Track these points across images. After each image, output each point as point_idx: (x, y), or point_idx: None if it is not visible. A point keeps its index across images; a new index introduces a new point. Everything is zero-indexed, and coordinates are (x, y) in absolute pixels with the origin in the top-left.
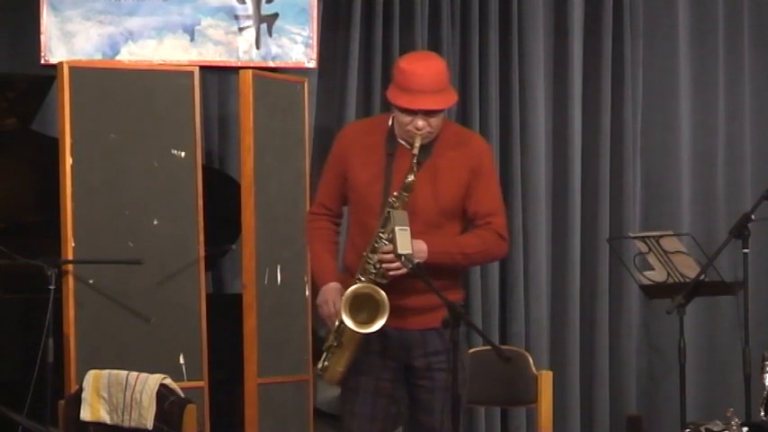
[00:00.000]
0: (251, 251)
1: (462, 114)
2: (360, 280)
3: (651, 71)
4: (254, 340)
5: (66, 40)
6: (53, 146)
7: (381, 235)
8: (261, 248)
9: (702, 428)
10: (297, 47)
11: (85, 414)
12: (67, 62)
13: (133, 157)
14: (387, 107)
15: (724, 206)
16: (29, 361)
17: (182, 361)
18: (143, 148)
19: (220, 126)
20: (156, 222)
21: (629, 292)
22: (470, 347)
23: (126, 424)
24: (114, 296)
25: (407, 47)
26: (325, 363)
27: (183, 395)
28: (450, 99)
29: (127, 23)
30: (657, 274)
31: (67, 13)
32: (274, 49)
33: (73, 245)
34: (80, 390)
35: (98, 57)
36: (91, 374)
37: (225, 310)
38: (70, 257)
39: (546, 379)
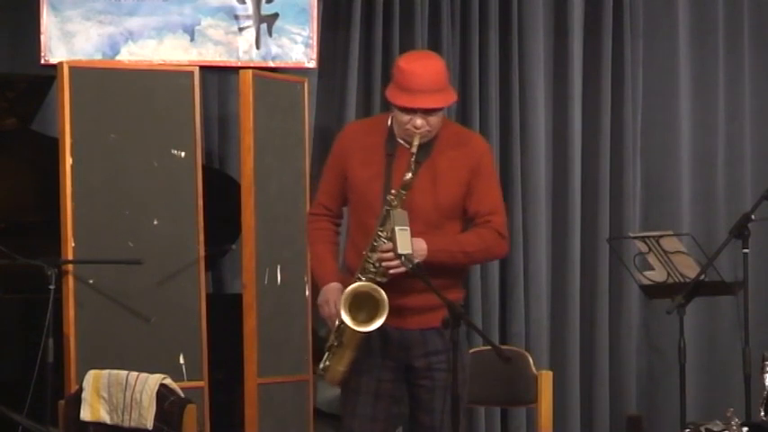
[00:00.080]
0: (251, 251)
1: (462, 114)
2: (360, 279)
3: (651, 71)
4: (254, 340)
5: (66, 40)
6: (53, 146)
7: (380, 233)
8: (261, 248)
9: (702, 428)
10: (297, 47)
11: (85, 414)
12: (67, 62)
13: (133, 157)
14: (387, 107)
15: (724, 206)
16: (29, 361)
17: (182, 361)
18: (143, 148)
19: (220, 126)
20: (156, 222)
21: (629, 292)
22: (470, 347)
23: (126, 424)
24: (114, 296)
25: (407, 47)
26: (327, 363)
27: (182, 395)
28: (449, 98)
29: (127, 23)
30: (657, 274)
31: (67, 13)
32: (274, 49)
33: (73, 245)
34: (80, 390)
35: (98, 57)
36: (91, 374)
37: (225, 310)
38: (70, 257)
39: (546, 379)
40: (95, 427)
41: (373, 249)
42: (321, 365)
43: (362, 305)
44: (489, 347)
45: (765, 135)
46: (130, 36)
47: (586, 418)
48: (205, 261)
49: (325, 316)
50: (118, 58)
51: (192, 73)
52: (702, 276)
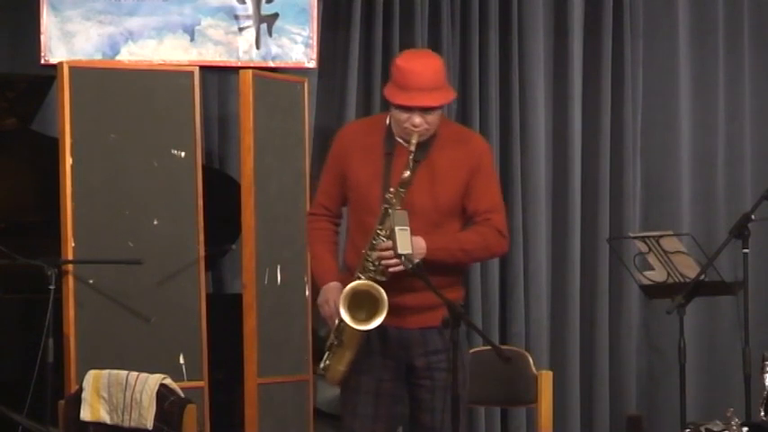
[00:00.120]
0: (251, 251)
1: (462, 114)
2: (359, 278)
3: (651, 71)
4: (254, 340)
5: (66, 40)
6: (53, 146)
7: (379, 232)
8: (261, 248)
9: (702, 428)
10: (297, 47)
11: (85, 414)
12: (67, 62)
13: (133, 157)
14: (387, 107)
15: (724, 206)
16: (29, 361)
17: (182, 361)
18: (143, 148)
19: (220, 126)
20: (156, 222)
21: (629, 292)
22: (470, 347)
23: (126, 424)
24: (114, 296)
25: (407, 47)
26: (327, 362)
27: (182, 395)
28: (447, 96)
29: (127, 23)
30: (657, 274)
31: (67, 13)
32: (274, 49)
33: (73, 245)
34: (80, 390)
35: (98, 57)
36: (91, 374)
37: (225, 310)
38: (70, 257)
39: (546, 379)
40: (95, 427)
41: (372, 248)
42: (321, 365)
43: (362, 304)
44: (489, 347)
45: (765, 135)
46: (130, 36)
47: (586, 418)
48: (205, 261)
49: (326, 315)
50: (118, 58)
51: (192, 73)
52: (702, 276)
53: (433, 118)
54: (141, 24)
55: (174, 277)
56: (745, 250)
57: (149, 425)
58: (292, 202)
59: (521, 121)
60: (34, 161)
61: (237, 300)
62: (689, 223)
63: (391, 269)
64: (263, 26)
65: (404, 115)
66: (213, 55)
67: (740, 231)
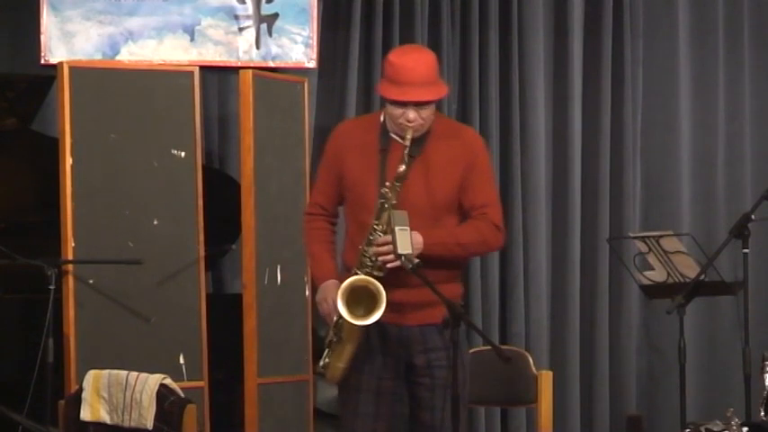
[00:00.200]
0: (251, 251)
1: (462, 114)
2: (356, 273)
3: (651, 71)
4: (254, 340)
5: (66, 40)
6: (53, 146)
7: (376, 227)
8: (261, 248)
9: (702, 428)
10: (297, 47)
11: (85, 414)
12: (67, 62)
13: (133, 157)
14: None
15: (724, 206)
16: (29, 361)
17: (182, 361)
18: (143, 148)
19: (220, 126)
20: (156, 222)
21: (629, 292)
22: (470, 347)
23: (126, 424)
24: (114, 296)
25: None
26: (326, 359)
27: (182, 395)
28: (440, 91)
29: (127, 23)
30: (657, 274)
31: (67, 13)
32: (274, 49)
33: (73, 245)
34: (80, 390)
35: (98, 57)
36: (91, 374)
37: (225, 310)
38: (70, 257)
39: (546, 379)
40: (95, 427)
41: (369, 243)
42: (321, 362)
43: (360, 300)
44: (489, 347)
45: (765, 135)
46: (130, 36)
47: (586, 418)
48: (205, 261)
49: (324, 313)
50: (118, 58)
51: (192, 73)
52: (702, 276)
53: (427, 113)
54: (141, 24)
55: (174, 277)
56: (745, 250)
57: (149, 425)
58: (292, 202)
59: (521, 121)
60: (34, 161)
61: (237, 300)
62: (689, 223)
63: (389, 265)
64: (263, 26)
65: (398, 111)
66: (213, 55)
67: (740, 231)
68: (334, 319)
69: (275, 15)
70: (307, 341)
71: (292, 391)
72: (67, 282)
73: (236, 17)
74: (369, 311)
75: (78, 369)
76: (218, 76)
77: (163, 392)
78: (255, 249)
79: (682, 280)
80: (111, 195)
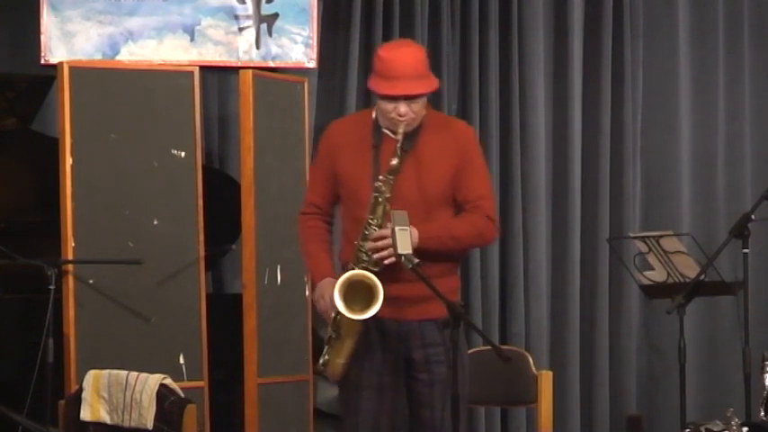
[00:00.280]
0: (251, 251)
1: (462, 114)
2: (353, 269)
3: (651, 71)
4: (254, 340)
5: (66, 40)
6: (53, 146)
7: (371, 221)
8: (261, 248)
9: (702, 428)
10: (297, 47)
11: (85, 414)
12: (67, 62)
13: (133, 157)
14: None
15: (724, 206)
16: (29, 361)
17: (182, 361)
18: (143, 148)
19: (220, 126)
20: (156, 222)
21: (629, 292)
22: (470, 347)
23: (126, 424)
24: (114, 296)
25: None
26: (326, 356)
27: (182, 395)
28: (430, 84)
29: (127, 23)
30: (657, 274)
31: (67, 13)
32: (274, 49)
33: (73, 245)
34: (80, 390)
35: (98, 57)
36: (91, 374)
37: (225, 310)
38: (70, 257)
39: (546, 379)
40: (95, 427)
41: (365, 238)
42: (321, 360)
43: (357, 295)
44: (489, 347)
45: (765, 135)
46: (130, 36)
47: (586, 418)
48: (205, 261)
49: (321, 311)
50: (118, 58)
51: (192, 73)
52: (702, 276)
53: (418, 107)
54: (141, 24)
55: (174, 277)
56: (745, 250)
57: (149, 425)
58: (292, 202)
59: (521, 121)
60: (34, 161)
61: (237, 300)
62: (689, 223)
63: (385, 261)
64: (263, 26)
65: (389, 105)
66: (213, 55)
67: (740, 231)
68: (332, 315)
69: (275, 15)
70: (307, 341)
71: (292, 391)
72: (67, 282)
73: (236, 17)
74: (366, 306)
75: (78, 369)
76: (218, 76)
77: (163, 392)
78: (255, 249)
79: (682, 280)
80: (111, 195)
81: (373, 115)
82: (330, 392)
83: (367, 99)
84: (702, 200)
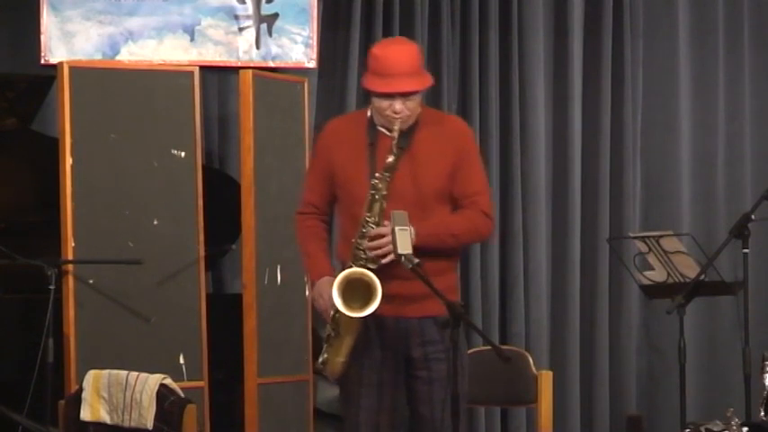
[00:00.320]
0: (251, 251)
1: (462, 114)
2: (351, 267)
3: (651, 71)
4: (254, 340)
5: (66, 40)
6: (53, 146)
7: (368, 219)
8: (261, 248)
9: (702, 428)
10: (297, 47)
11: (85, 414)
12: (67, 62)
13: (133, 157)
14: None
15: (724, 206)
16: (29, 361)
17: (182, 361)
18: (143, 148)
19: (220, 126)
20: (156, 222)
21: (629, 292)
22: (470, 347)
23: (126, 424)
24: (114, 296)
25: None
26: (325, 355)
27: (182, 395)
28: (425, 81)
29: (127, 23)
30: (657, 274)
31: (67, 13)
32: (274, 49)
33: (73, 245)
34: (80, 390)
35: (98, 57)
36: (91, 374)
37: (225, 310)
38: (70, 257)
39: (546, 379)
40: (95, 427)
41: (362, 236)
42: (320, 359)
43: (356, 292)
44: (489, 347)
45: (765, 135)
46: (130, 36)
47: (586, 418)
48: (205, 261)
49: (320, 309)
50: (118, 58)
51: (192, 73)
52: (702, 276)
53: (413, 104)
54: (141, 24)
55: (174, 277)
56: (745, 250)
57: (149, 425)
58: (292, 202)
59: (521, 121)
60: (34, 161)
61: (237, 300)
62: (689, 223)
63: (383, 261)
64: (263, 26)
65: (385, 103)
66: (213, 55)
67: (740, 231)
68: (331, 314)
69: (275, 15)
70: (307, 341)
71: (292, 391)
72: (67, 282)
73: (236, 17)
74: (365, 303)
75: (78, 369)
76: (218, 76)
77: (163, 392)
78: (255, 249)
79: (682, 280)
80: (111, 195)
81: (368, 114)
82: (330, 392)
83: (367, 99)
84: (702, 200)
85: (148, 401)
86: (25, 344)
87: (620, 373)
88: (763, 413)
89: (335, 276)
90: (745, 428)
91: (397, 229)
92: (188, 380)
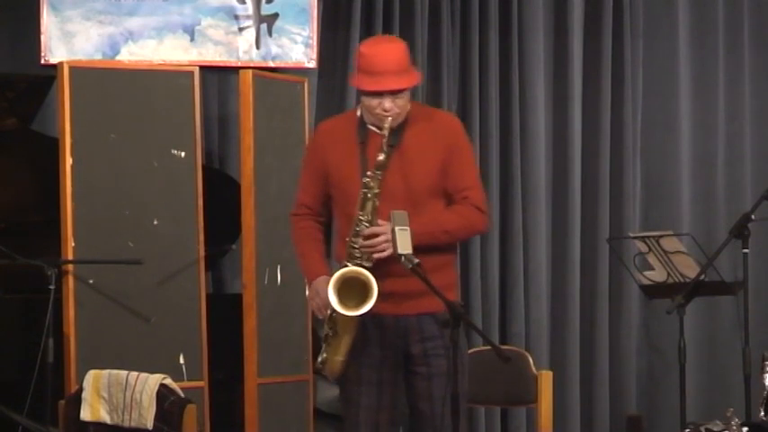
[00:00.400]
0: (251, 251)
1: (462, 114)
2: (346, 266)
3: (651, 71)
4: (254, 340)
5: (66, 40)
6: (53, 146)
7: (361, 217)
8: (261, 248)
9: (702, 428)
10: (297, 47)
11: (85, 414)
12: (67, 62)
13: (133, 157)
14: None
15: (724, 206)
16: (29, 361)
17: (182, 361)
18: (143, 148)
19: (220, 126)
20: (156, 222)
21: (629, 292)
22: (470, 347)
23: (126, 424)
24: (114, 296)
25: (407, 47)
26: (324, 355)
27: (182, 395)
28: (413, 78)
29: (127, 23)
30: (657, 274)
31: (67, 13)
32: (274, 49)
33: (73, 245)
34: (80, 390)
35: (98, 57)
36: (91, 374)
37: (225, 310)
38: (70, 257)
39: (546, 379)
40: (95, 427)
41: (356, 235)
42: (319, 358)
43: (352, 291)
44: (489, 347)
45: (765, 135)
46: (130, 36)
47: (586, 418)
48: (205, 261)
49: (316, 309)
50: (118, 58)
51: (192, 73)
52: (702, 276)
53: (402, 101)
54: (141, 24)
55: (174, 277)
56: (745, 250)
57: (149, 425)
58: (292, 202)
59: (521, 121)
60: (34, 161)
61: (237, 300)
62: (689, 223)
63: (375, 256)
64: (263, 26)
65: (374, 101)
66: (213, 55)
67: (740, 231)
68: (328, 313)
69: (275, 15)
70: (307, 341)
71: (292, 391)
72: (67, 282)
73: (236, 17)
74: (361, 302)
75: (78, 369)
76: (218, 76)
77: (163, 392)
78: (255, 249)
79: (682, 280)
80: (111, 195)
81: (358, 113)
82: (330, 392)
83: None
84: (702, 200)
85: (148, 401)
86: (25, 344)
87: (620, 373)
88: (763, 413)
89: (331, 276)
90: (745, 428)
91: (397, 228)
92: (188, 380)
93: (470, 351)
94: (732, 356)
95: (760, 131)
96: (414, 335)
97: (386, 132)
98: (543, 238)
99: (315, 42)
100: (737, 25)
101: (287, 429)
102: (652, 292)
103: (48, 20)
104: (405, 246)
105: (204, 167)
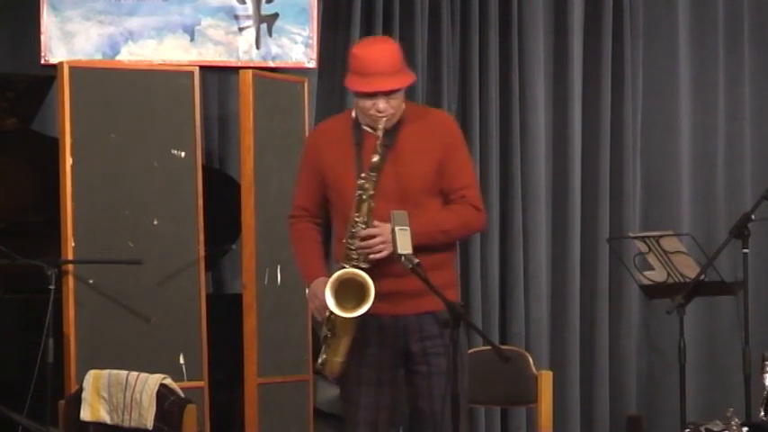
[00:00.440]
0: (251, 251)
1: (462, 114)
2: (343, 267)
3: (651, 71)
4: (254, 340)
5: (66, 40)
6: (53, 146)
7: (357, 219)
8: (261, 248)
9: (702, 428)
10: (297, 47)
11: (85, 414)
12: (67, 62)
13: (133, 157)
14: None
15: (724, 206)
16: (29, 361)
17: (182, 361)
18: (143, 148)
19: (220, 126)
20: (156, 222)
21: (629, 292)
22: (470, 347)
23: (126, 424)
24: (114, 296)
25: (407, 47)
26: (324, 355)
27: (182, 395)
28: (406, 78)
29: (127, 23)
30: (657, 274)
31: (67, 13)
32: (274, 49)
33: (73, 245)
34: (80, 390)
35: (98, 57)
36: (91, 374)
37: (225, 310)
38: (70, 257)
39: (546, 379)
40: (95, 427)
41: (352, 236)
42: (319, 360)
43: (349, 293)
44: (489, 347)
45: (765, 135)
46: (130, 36)
47: (586, 418)
48: (205, 261)
49: (315, 310)
50: (118, 58)
51: (192, 73)
52: (702, 276)
53: (396, 102)
54: (141, 24)
55: (174, 277)
56: (745, 250)
57: (149, 425)
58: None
59: (521, 121)
60: (34, 161)
61: (237, 300)
62: (689, 223)
63: (372, 256)
64: (263, 26)
65: (368, 102)
66: (213, 55)
67: (740, 231)
68: (326, 314)
69: (275, 15)
70: (307, 341)
71: (292, 391)
72: (67, 282)
73: (236, 17)
74: (358, 304)
75: (78, 369)
76: (218, 76)
77: (163, 392)
78: (255, 249)
79: (682, 280)
80: (111, 195)
81: (353, 114)
82: (330, 392)
83: None
84: (702, 200)
85: (148, 401)
86: (25, 344)
87: (620, 373)
88: (763, 413)
89: (330, 277)
90: (745, 428)
91: (397, 229)
92: (188, 380)
93: (470, 351)
94: (732, 356)
95: (760, 131)
96: (414, 334)
97: (380, 133)
98: (543, 238)
99: (315, 42)
100: (737, 25)
101: (287, 429)
102: (652, 292)
103: (48, 20)
104: (405, 246)
105: (204, 167)
